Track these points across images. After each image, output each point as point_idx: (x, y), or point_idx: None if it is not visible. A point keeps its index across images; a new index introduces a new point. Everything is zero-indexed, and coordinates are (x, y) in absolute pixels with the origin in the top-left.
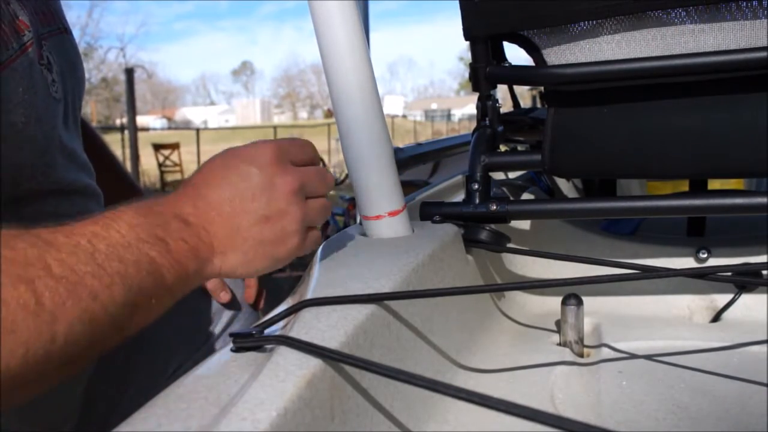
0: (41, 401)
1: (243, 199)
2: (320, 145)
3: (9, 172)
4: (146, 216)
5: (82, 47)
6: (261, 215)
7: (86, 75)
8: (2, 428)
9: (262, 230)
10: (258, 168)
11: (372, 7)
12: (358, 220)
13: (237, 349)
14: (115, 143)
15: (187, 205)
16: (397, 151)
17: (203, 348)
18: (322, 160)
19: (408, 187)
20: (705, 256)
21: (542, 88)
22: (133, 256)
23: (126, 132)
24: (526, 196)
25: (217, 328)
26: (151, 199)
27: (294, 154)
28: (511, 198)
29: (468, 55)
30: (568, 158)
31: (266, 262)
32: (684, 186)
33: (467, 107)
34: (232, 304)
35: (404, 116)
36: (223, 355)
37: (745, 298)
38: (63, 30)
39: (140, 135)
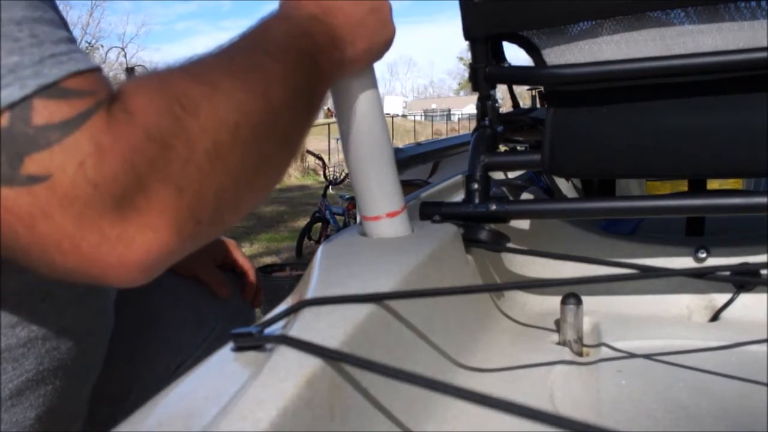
0: (50, 402)
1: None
2: (320, 145)
3: None
4: (286, 19)
5: (83, 47)
6: (368, 7)
7: None
8: (10, 429)
9: (369, 18)
10: None
11: None
12: (358, 220)
13: (237, 349)
14: None
15: (314, 6)
16: (397, 151)
17: (204, 345)
18: (322, 158)
19: (408, 187)
20: (704, 255)
21: (542, 88)
22: (294, 47)
23: None
24: (525, 196)
25: (217, 326)
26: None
27: None
28: (511, 198)
29: (468, 55)
30: (568, 158)
31: (381, 44)
32: (683, 186)
33: (467, 107)
34: (232, 301)
35: (404, 116)
36: (223, 355)
37: (744, 298)
38: (72, 40)
39: None
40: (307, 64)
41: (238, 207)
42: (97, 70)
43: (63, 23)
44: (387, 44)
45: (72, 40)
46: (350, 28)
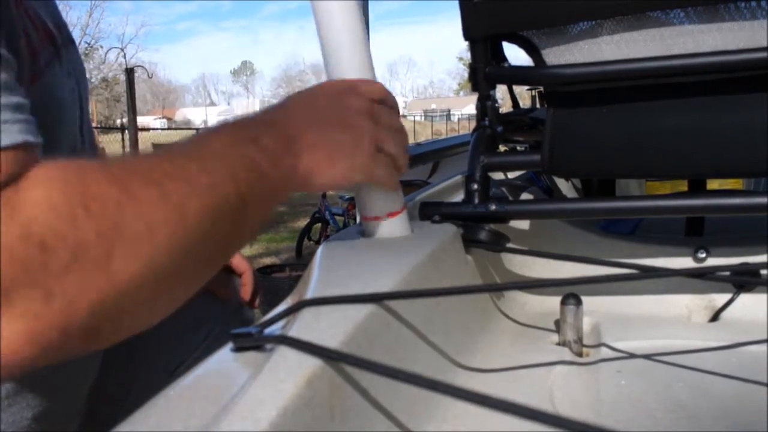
0: (47, 402)
1: (317, 107)
2: None
3: None
4: (234, 125)
5: (82, 47)
6: (336, 118)
7: (87, 75)
8: (8, 425)
9: (338, 132)
10: (327, 88)
11: (373, 8)
12: (357, 220)
13: (237, 349)
14: (115, 143)
15: (269, 113)
16: None
17: (202, 345)
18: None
19: (408, 187)
20: (703, 255)
21: (542, 88)
22: (234, 154)
23: (126, 132)
24: (525, 196)
25: (216, 326)
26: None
27: (365, 88)
28: (511, 198)
29: (467, 56)
30: (568, 158)
31: (345, 163)
32: (683, 186)
33: (467, 107)
34: (230, 302)
35: (404, 116)
36: (223, 355)
37: (744, 298)
38: (71, 41)
39: (140, 135)
40: (244, 173)
41: (121, 323)
42: (21, 147)
43: (16, 87)
44: (355, 168)
45: (19, 106)
46: (309, 133)
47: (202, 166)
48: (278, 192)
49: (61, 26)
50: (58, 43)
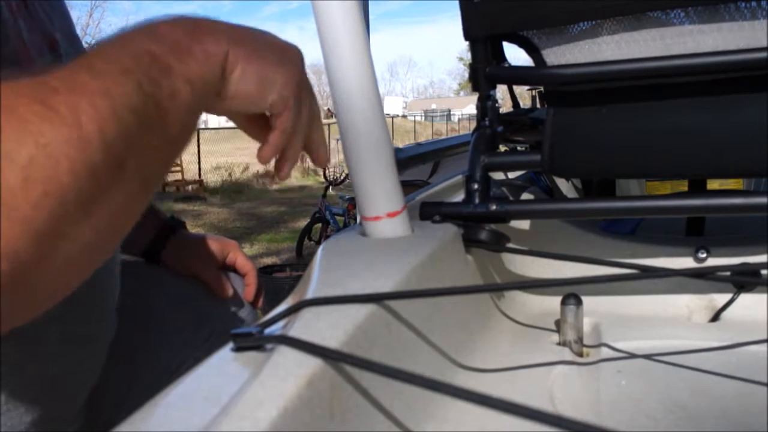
0: (47, 406)
1: (242, 27)
2: None
3: None
4: (135, 26)
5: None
6: (264, 38)
7: None
8: (8, 429)
9: (268, 48)
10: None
11: (374, 8)
12: (358, 220)
13: (237, 349)
14: None
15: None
16: (397, 151)
17: (205, 345)
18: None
19: (408, 187)
20: (704, 255)
21: (542, 88)
22: (131, 53)
23: None
24: (525, 196)
25: (219, 326)
26: None
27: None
28: (511, 198)
29: (468, 56)
30: (568, 158)
31: (267, 73)
32: (683, 186)
33: (467, 107)
34: (234, 301)
35: (404, 116)
36: (223, 355)
37: (744, 298)
38: (80, 48)
39: None
40: (142, 70)
41: (46, 266)
42: None
43: None
44: (277, 73)
45: None
46: (227, 28)
47: (92, 71)
48: (197, 86)
49: (73, 38)
50: (60, 51)
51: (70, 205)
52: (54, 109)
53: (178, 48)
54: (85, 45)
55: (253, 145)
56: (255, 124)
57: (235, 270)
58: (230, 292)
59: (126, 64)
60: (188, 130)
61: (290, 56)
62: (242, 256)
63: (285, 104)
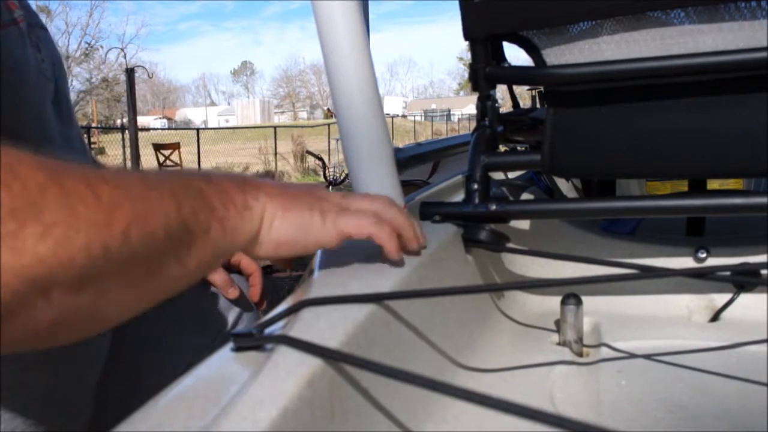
0: (53, 402)
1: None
2: (320, 145)
3: (10, 129)
4: (191, 172)
5: (82, 47)
6: (301, 190)
7: (88, 75)
8: (15, 430)
9: (302, 195)
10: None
11: (375, 8)
12: None
13: (237, 349)
14: (115, 143)
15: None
16: (397, 151)
17: (211, 346)
18: (322, 159)
19: (408, 187)
20: (704, 255)
21: (542, 88)
22: (181, 182)
23: (127, 132)
24: (525, 196)
25: (224, 327)
26: None
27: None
28: (511, 198)
29: (468, 56)
30: (568, 158)
31: (304, 216)
32: (683, 186)
33: (467, 107)
34: (239, 303)
35: (404, 116)
36: (223, 355)
37: (744, 298)
38: (44, 27)
39: (141, 135)
40: (189, 199)
41: (35, 317)
42: None
43: None
44: (313, 219)
45: None
46: (267, 185)
47: (143, 182)
48: (230, 232)
49: (30, 11)
50: (17, 15)
51: (68, 275)
52: (97, 195)
53: (224, 194)
54: (84, 45)
55: (252, 145)
56: None
57: (239, 271)
58: (237, 292)
59: (175, 188)
60: (205, 267)
61: (324, 195)
62: (246, 256)
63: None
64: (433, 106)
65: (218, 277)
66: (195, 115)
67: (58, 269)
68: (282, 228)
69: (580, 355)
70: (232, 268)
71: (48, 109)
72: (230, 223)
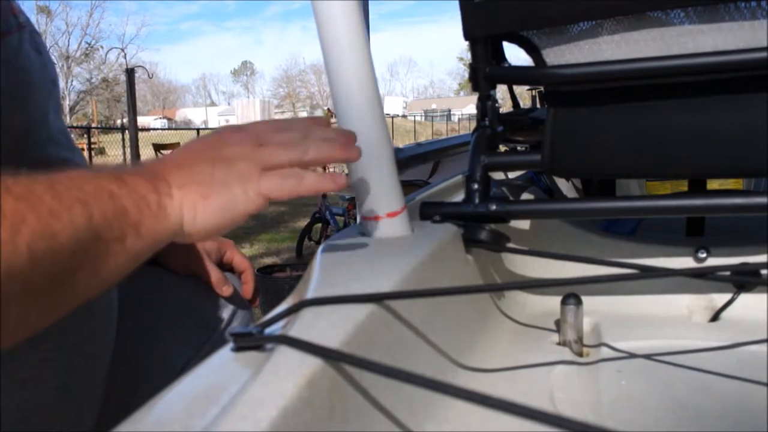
0: (67, 396)
1: (193, 150)
2: None
3: (16, 133)
4: (103, 168)
5: (82, 47)
6: (210, 157)
7: (88, 75)
8: (29, 424)
9: (212, 167)
10: (216, 133)
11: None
12: (358, 220)
13: (237, 349)
14: (115, 143)
15: (140, 164)
16: (397, 151)
17: (208, 344)
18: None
19: (408, 187)
20: (704, 255)
21: (542, 88)
22: (92, 186)
23: (127, 132)
24: (525, 196)
25: (220, 325)
26: None
27: (258, 125)
28: (511, 198)
29: (468, 56)
30: (568, 158)
31: (224, 196)
32: (683, 186)
33: (467, 107)
34: (233, 300)
35: (404, 116)
36: (224, 355)
37: (744, 298)
38: (38, 32)
39: (141, 135)
40: (99, 205)
41: None
42: None
43: None
44: (236, 198)
45: None
46: (180, 175)
47: (51, 191)
48: (145, 235)
49: (22, 13)
50: (22, 20)
51: None
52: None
53: (136, 195)
54: (85, 45)
55: None
56: None
57: (231, 269)
58: (231, 290)
59: (85, 195)
60: (122, 271)
61: (236, 152)
62: (239, 254)
63: (251, 199)
64: (434, 106)
65: (212, 274)
66: (195, 115)
67: None
68: (206, 216)
69: (580, 355)
70: (224, 266)
71: (51, 111)
72: (145, 226)
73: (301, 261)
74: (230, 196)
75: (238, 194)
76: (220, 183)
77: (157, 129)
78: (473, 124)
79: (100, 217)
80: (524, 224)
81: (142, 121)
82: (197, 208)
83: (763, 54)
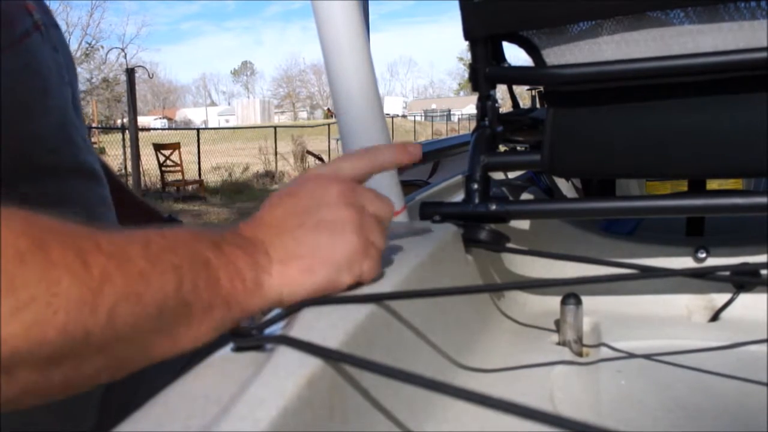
0: (59, 407)
1: (294, 212)
2: (320, 145)
3: (33, 140)
4: (201, 229)
5: (83, 47)
6: (313, 222)
7: (88, 75)
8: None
9: (317, 235)
10: (308, 184)
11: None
12: None
13: (237, 349)
14: (116, 143)
15: (240, 225)
16: None
17: (207, 345)
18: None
19: (408, 187)
20: (704, 255)
21: (542, 88)
22: (188, 251)
23: (127, 132)
24: (525, 196)
25: None
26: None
27: (345, 171)
28: (511, 198)
29: (468, 56)
30: (568, 158)
31: (327, 268)
32: (683, 186)
33: (467, 107)
34: None
35: (404, 116)
36: (224, 355)
37: (744, 298)
38: (55, 26)
39: (141, 135)
40: (192, 273)
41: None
42: None
43: None
44: (340, 267)
45: None
46: (281, 245)
47: (145, 250)
48: (235, 308)
49: (44, 8)
50: (37, 18)
51: (38, 356)
52: (86, 266)
53: (232, 267)
54: (85, 45)
55: (252, 145)
56: None
57: None
58: None
59: (180, 260)
60: (203, 340)
61: (342, 218)
62: None
63: (354, 270)
64: (433, 106)
65: None
66: (195, 115)
67: (27, 350)
68: (306, 288)
69: (580, 355)
70: None
71: (70, 114)
72: (236, 300)
73: None
74: (336, 275)
75: (343, 271)
76: (324, 258)
77: (158, 129)
78: (473, 124)
79: (191, 286)
80: (524, 224)
81: (142, 121)
82: (298, 281)
83: (763, 54)
